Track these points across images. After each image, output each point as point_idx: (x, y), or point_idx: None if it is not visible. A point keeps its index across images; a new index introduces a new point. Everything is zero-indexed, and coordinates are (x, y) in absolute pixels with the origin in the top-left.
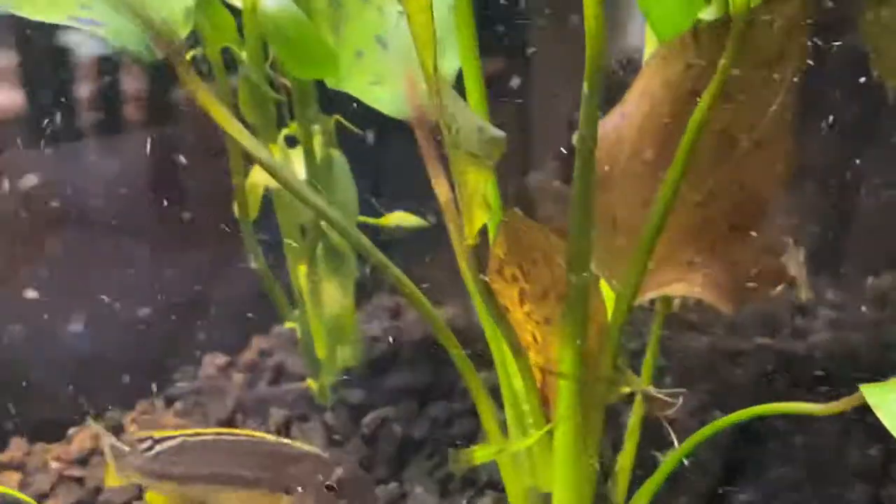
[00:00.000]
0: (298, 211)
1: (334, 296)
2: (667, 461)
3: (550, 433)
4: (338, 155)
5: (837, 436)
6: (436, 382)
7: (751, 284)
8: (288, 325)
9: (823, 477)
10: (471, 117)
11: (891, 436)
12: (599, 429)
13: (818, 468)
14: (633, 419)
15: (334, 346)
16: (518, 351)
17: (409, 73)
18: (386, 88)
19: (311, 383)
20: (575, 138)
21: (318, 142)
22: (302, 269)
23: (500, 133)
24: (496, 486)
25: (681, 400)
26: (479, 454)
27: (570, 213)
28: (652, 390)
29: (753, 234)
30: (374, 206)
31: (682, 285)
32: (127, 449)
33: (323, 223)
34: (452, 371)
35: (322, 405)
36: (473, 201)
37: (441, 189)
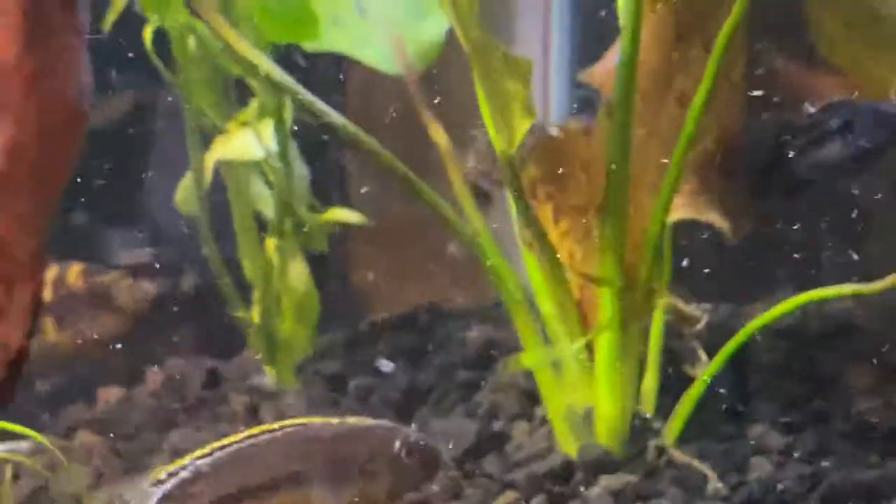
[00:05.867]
0: (255, 193)
1: (302, 273)
2: (703, 374)
3: (590, 347)
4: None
5: None
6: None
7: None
8: (239, 313)
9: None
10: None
11: None
12: (640, 340)
13: None
14: (654, 338)
15: (298, 327)
16: (556, 265)
17: (394, 35)
18: (371, 49)
19: (268, 369)
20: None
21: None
22: (270, 244)
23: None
24: (527, 415)
25: (706, 317)
26: (527, 359)
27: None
28: (681, 304)
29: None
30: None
31: (689, 210)
32: None
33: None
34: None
35: (285, 389)
36: (514, 108)
37: (439, 137)
